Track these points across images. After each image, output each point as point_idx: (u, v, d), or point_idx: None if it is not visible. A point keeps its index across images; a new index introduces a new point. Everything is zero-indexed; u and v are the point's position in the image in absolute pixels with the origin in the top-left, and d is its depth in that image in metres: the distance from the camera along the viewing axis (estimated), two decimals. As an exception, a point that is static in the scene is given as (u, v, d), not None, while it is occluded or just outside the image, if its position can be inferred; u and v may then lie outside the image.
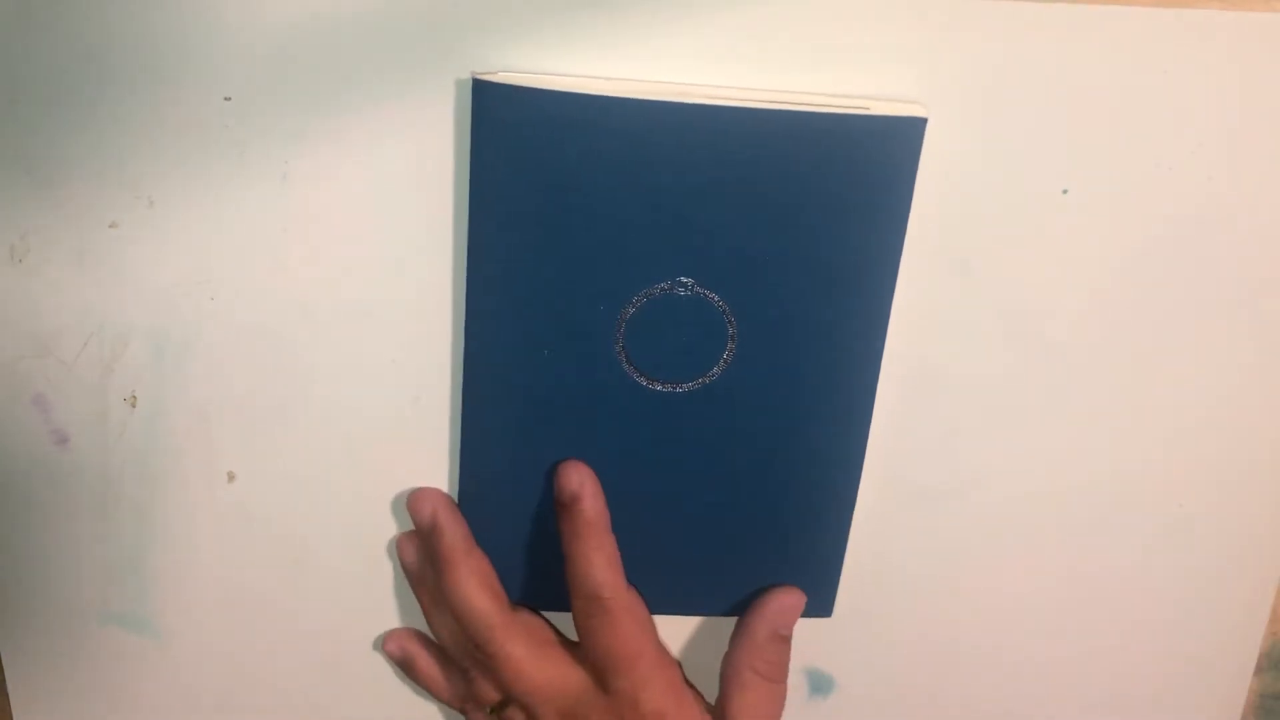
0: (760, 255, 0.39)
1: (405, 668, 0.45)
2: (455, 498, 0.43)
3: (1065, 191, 0.39)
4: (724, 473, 0.42)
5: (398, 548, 0.44)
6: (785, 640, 0.43)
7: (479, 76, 0.36)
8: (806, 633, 0.46)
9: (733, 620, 0.45)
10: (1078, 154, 0.39)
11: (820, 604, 0.45)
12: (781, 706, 0.44)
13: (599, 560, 0.40)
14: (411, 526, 0.44)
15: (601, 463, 0.41)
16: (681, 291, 0.39)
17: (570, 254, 0.38)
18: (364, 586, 0.45)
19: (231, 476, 0.43)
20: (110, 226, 0.39)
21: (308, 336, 0.41)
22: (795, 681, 0.47)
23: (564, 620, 0.45)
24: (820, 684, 0.47)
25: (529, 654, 0.41)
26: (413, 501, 0.42)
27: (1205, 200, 0.40)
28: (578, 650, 0.42)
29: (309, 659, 0.46)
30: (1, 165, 0.38)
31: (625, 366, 0.40)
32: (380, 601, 0.45)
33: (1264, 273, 0.41)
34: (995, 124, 0.38)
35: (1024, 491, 0.45)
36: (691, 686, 0.44)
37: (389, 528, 0.44)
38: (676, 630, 0.46)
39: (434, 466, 0.43)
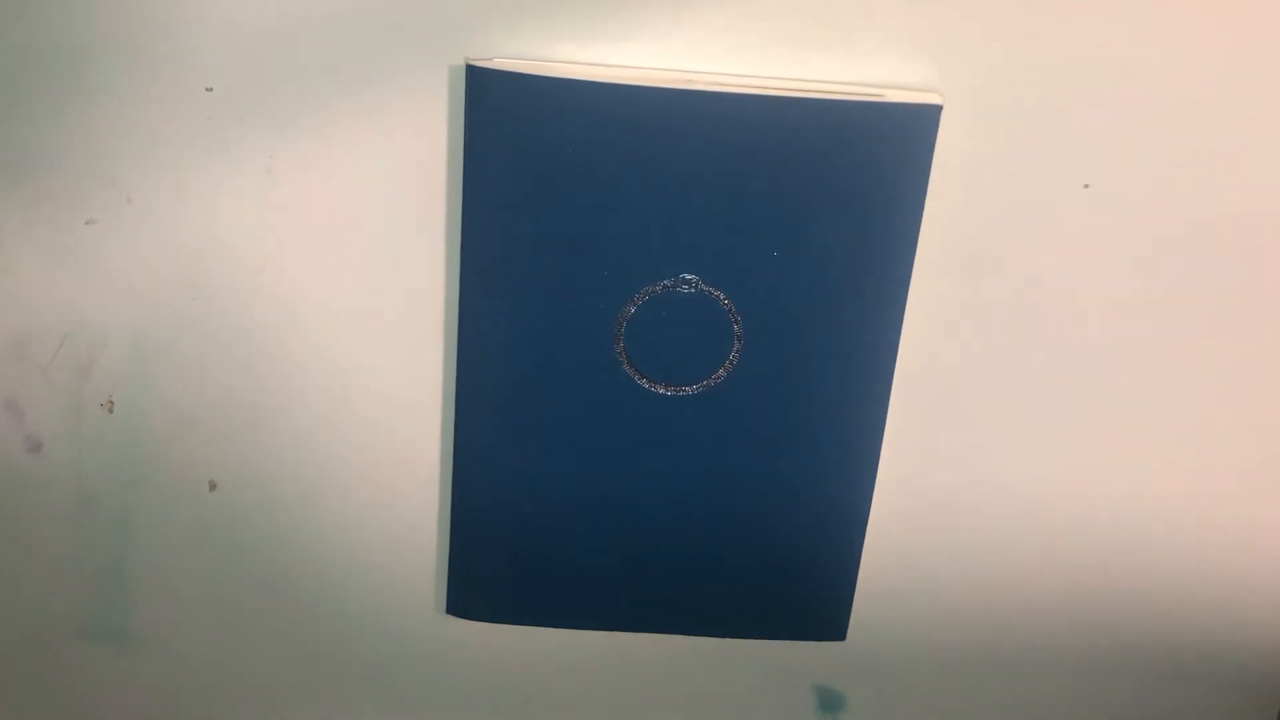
0: (768, 250, 0.39)
1: None
2: (448, 507, 0.43)
3: (1087, 186, 0.39)
4: (729, 481, 0.42)
5: None
6: None
7: (473, 63, 0.36)
8: (817, 650, 0.46)
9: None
10: (1100, 147, 0.39)
11: (833, 627, 0.45)
12: None
13: None
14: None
15: (600, 469, 0.41)
16: (685, 289, 0.39)
17: (568, 248, 0.38)
18: (350, 599, 0.45)
19: (213, 485, 0.43)
20: (87, 223, 0.39)
21: (294, 337, 0.40)
22: (804, 699, 0.47)
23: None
24: (831, 702, 0.47)
25: None
26: None
27: (1233, 195, 0.39)
28: None
29: (291, 672, 0.46)
30: (-26, 160, 0.38)
31: (625, 368, 0.40)
32: (368, 615, 0.45)
33: (1294, 271, 0.42)
34: (1014, 116, 0.38)
35: (1043, 504, 0.44)
36: None
37: (377, 537, 0.44)
38: (679, 653, 0.46)
39: (425, 475, 0.43)
